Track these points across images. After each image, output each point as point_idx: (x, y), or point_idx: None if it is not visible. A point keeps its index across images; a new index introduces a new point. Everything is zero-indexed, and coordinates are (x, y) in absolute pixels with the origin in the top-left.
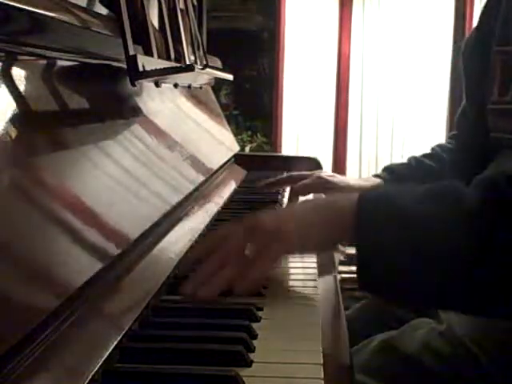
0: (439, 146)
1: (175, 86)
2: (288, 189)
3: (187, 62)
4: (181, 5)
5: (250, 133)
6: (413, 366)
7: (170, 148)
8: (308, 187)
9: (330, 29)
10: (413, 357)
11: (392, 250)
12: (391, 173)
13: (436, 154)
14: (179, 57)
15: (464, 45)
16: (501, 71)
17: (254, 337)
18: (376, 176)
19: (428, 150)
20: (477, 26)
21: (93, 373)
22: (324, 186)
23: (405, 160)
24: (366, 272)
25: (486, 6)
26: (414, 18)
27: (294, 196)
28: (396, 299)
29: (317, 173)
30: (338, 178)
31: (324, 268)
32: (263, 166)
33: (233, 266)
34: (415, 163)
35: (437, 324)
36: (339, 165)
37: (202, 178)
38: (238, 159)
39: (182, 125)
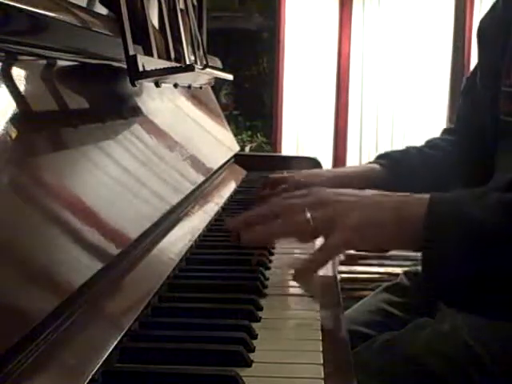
0: (434, 138)
1: (175, 86)
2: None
3: (187, 62)
4: (181, 5)
5: (250, 133)
6: (415, 367)
7: (170, 148)
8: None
9: (330, 29)
10: (415, 357)
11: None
12: (389, 159)
13: (435, 143)
14: (179, 57)
15: (480, 24)
16: None
17: (254, 337)
18: (372, 163)
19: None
20: (493, 7)
21: (93, 373)
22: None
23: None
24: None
25: None
26: (413, 18)
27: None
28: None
29: (292, 177)
30: (317, 176)
31: (324, 268)
32: (263, 166)
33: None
34: (415, 151)
35: (439, 324)
36: (339, 165)
37: (202, 178)
38: (237, 159)
39: (182, 125)
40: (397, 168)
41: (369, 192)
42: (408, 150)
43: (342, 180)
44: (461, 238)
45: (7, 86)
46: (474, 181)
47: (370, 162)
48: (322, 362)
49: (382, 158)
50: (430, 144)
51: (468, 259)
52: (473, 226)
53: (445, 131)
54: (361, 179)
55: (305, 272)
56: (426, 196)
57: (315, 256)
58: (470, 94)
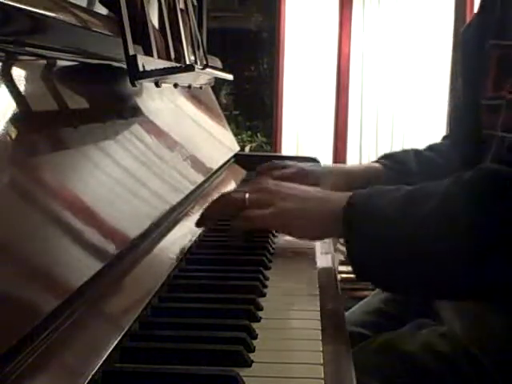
0: (436, 143)
1: (175, 86)
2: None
3: (187, 62)
4: (181, 5)
5: (249, 133)
6: (413, 367)
7: (170, 148)
8: (287, 178)
9: (330, 29)
10: (413, 357)
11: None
12: (391, 159)
13: (434, 147)
14: (179, 57)
15: (462, 35)
16: (496, 66)
17: (254, 337)
18: (376, 162)
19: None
20: (474, 18)
21: (93, 373)
22: (302, 177)
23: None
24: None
25: None
26: (414, 18)
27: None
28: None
29: (299, 165)
30: (321, 168)
31: (324, 268)
32: None
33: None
34: (413, 153)
35: (437, 325)
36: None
37: (201, 178)
38: (238, 159)
39: (182, 125)
40: (395, 169)
41: (308, 188)
42: (408, 152)
43: (344, 177)
44: (375, 226)
45: (7, 86)
46: None
47: (374, 161)
48: (321, 361)
49: (385, 158)
50: (430, 147)
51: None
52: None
53: (444, 137)
54: (362, 178)
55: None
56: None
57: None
58: (454, 101)
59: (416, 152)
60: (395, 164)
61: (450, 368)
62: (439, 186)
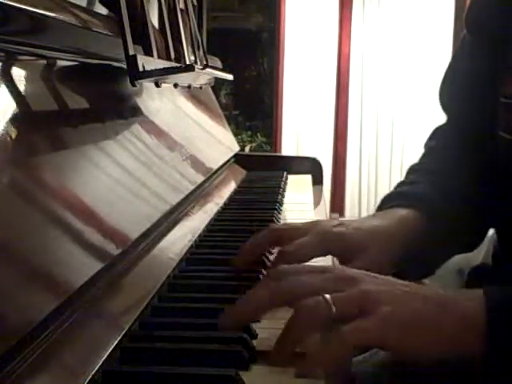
0: (424, 162)
1: (175, 86)
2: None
3: (187, 62)
4: (181, 5)
5: (249, 133)
6: (415, 370)
7: (170, 148)
8: (308, 253)
9: (330, 29)
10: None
11: None
12: (419, 200)
13: (442, 172)
14: (179, 57)
15: (470, 15)
16: None
17: (254, 337)
18: (396, 207)
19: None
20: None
21: (93, 373)
22: (332, 245)
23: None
24: None
25: None
26: (414, 18)
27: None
28: None
29: (315, 226)
30: (345, 227)
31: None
32: (263, 165)
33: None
34: (429, 183)
35: None
36: (339, 165)
37: (201, 178)
38: (238, 159)
39: (182, 125)
40: (422, 208)
41: (414, 285)
42: (417, 184)
43: (378, 236)
44: None
45: (7, 86)
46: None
47: (392, 207)
48: None
49: (408, 198)
50: (438, 172)
51: None
52: None
53: (435, 132)
54: (404, 237)
55: (303, 367)
56: (476, 291)
57: (323, 348)
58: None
59: (438, 184)
60: (418, 202)
61: (451, 371)
62: None
